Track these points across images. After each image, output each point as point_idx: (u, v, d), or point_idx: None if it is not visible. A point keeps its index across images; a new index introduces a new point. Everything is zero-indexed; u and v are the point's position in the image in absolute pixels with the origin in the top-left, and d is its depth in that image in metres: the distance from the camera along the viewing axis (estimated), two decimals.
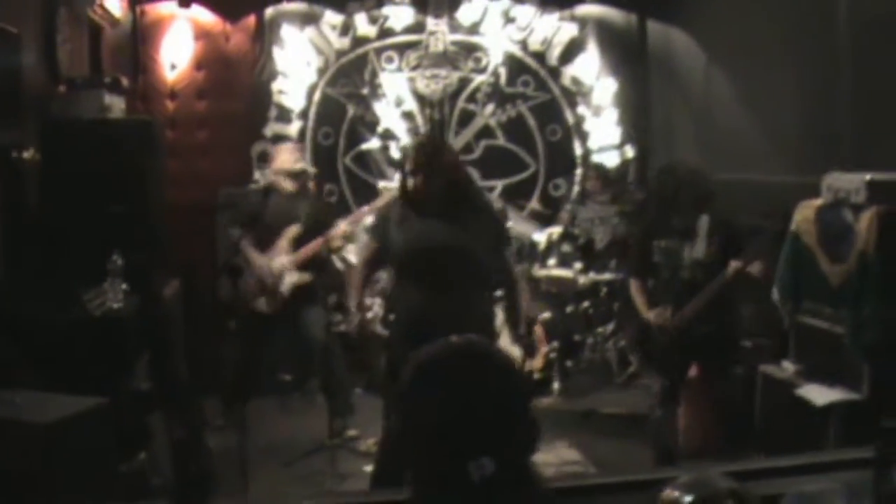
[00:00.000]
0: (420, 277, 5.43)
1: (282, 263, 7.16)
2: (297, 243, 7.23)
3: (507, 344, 6.45)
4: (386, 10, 9.65)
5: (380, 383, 5.90)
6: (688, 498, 2.22)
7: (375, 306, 8.37)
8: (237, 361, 7.58)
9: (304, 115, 9.63)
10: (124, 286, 5.67)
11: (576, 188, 9.81)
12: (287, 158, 7.49)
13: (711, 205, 5.97)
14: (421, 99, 9.74)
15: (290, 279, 7.18)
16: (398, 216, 5.58)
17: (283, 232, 7.23)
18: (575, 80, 9.89)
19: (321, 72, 9.63)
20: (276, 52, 9.49)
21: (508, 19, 9.81)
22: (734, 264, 5.72)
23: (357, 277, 6.02)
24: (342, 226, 7.23)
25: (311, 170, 7.92)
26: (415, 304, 5.43)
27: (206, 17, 9.31)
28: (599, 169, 9.31)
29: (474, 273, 5.45)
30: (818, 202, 6.01)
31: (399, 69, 9.71)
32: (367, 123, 9.65)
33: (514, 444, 2.12)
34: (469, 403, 2.09)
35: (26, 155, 5.90)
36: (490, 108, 9.81)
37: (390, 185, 7.82)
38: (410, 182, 5.49)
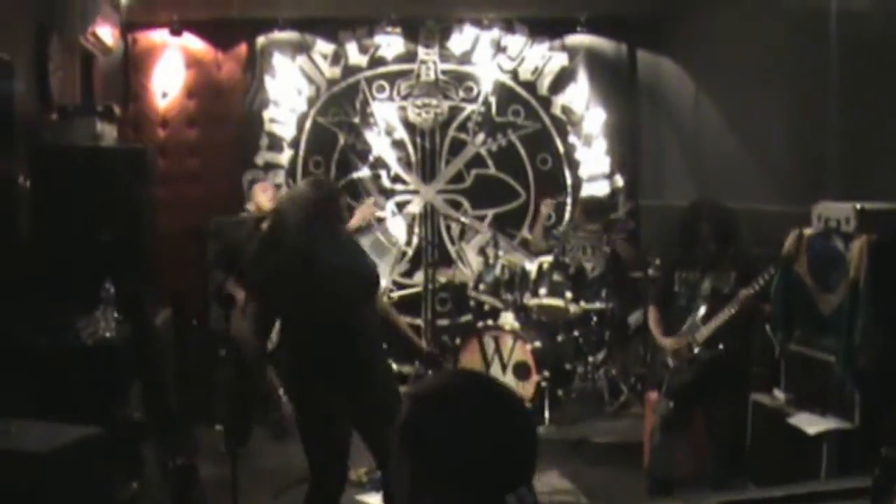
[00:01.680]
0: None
1: None
2: None
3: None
4: (377, 39, 9.71)
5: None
6: None
7: None
8: (237, 400, 7.66)
9: (295, 143, 9.66)
10: (116, 314, 5.66)
11: (566, 217, 9.83)
12: (261, 198, 7.57)
13: (735, 237, 6.03)
14: (412, 128, 9.79)
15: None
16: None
17: None
18: (565, 110, 9.94)
19: (312, 100, 9.67)
20: (268, 81, 9.53)
21: (499, 49, 9.86)
22: (744, 292, 5.74)
23: None
24: None
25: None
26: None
27: (197, 45, 9.36)
28: (587, 201, 9.27)
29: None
30: (808, 231, 6.03)
31: (390, 98, 9.76)
32: (359, 152, 9.68)
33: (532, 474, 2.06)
34: (499, 433, 2.02)
35: (20, 183, 5.89)
36: (481, 137, 9.86)
37: None
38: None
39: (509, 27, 9.86)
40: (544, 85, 9.94)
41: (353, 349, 4.99)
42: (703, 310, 5.94)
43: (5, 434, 4.10)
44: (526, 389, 8.11)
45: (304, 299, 4.97)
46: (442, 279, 9.53)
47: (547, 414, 8.07)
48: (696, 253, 6.04)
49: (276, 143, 9.61)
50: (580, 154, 9.98)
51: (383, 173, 9.72)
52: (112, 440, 4.61)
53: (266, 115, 9.57)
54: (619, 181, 10.03)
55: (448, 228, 9.94)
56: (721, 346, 5.87)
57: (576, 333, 8.65)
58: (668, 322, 6.17)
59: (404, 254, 9.81)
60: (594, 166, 9.98)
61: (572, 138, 9.97)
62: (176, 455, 5.95)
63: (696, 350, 5.91)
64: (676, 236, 6.33)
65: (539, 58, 9.92)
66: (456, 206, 9.88)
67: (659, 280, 6.56)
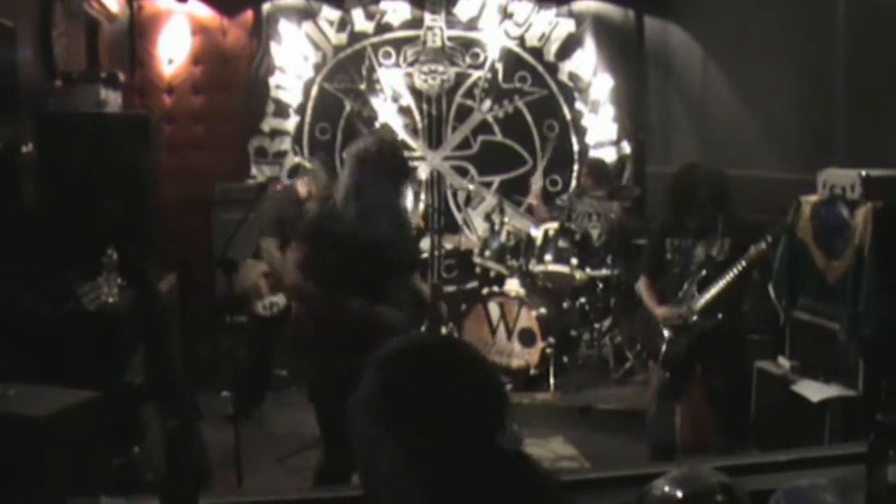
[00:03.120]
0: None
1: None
2: None
3: None
4: (383, 5, 9.65)
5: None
6: (678, 492, 2.21)
7: None
8: (247, 366, 7.81)
9: (301, 110, 9.62)
10: (119, 280, 5.66)
11: (573, 183, 9.81)
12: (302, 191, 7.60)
13: (728, 204, 5.98)
14: (418, 94, 9.74)
15: None
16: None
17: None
18: (572, 76, 9.89)
19: (318, 67, 9.63)
20: (274, 48, 9.48)
21: (506, 15, 9.80)
22: (755, 246, 5.70)
23: None
24: None
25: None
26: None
27: (203, 11, 9.30)
28: (595, 165, 9.30)
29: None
30: (814, 198, 6.01)
31: (396, 64, 9.71)
32: (365, 119, 9.64)
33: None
34: (475, 379, 1.93)
35: (24, 150, 5.89)
36: (487, 103, 9.82)
37: None
38: None
39: None
40: (551, 51, 9.89)
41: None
42: (697, 276, 5.91)
43: (4, 398, 4.11)
44: (531, 356, 8.13)
45: (346, 265, 4.92)
46: (448, 245, 9.52)
47: (552, 380, 8.06)
48: (688, 219, 5.99)
49: (282, 110, 9.58)
50: (587, 121, 9.93)
51: None
52: (113, 405, 4.60)
53: (272, 81, 9.53)
54: (626, 148, 9.98)
55: (454, 195, 9.93)
56: (719, 315, 5.86)
57: (582, 300, 8.64)
58: (662, 291, 6.13)
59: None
60: (601, 133, 9.94)
61: (579, 105, 9.92)
62: (177, 418, 5.97)
63: (691, 318, 5.88)
64: (669, 200, 6.28)
65: (546, 24, 9.85)
66: (462, 172, 9.85)
67: (649, 248, 6.48)
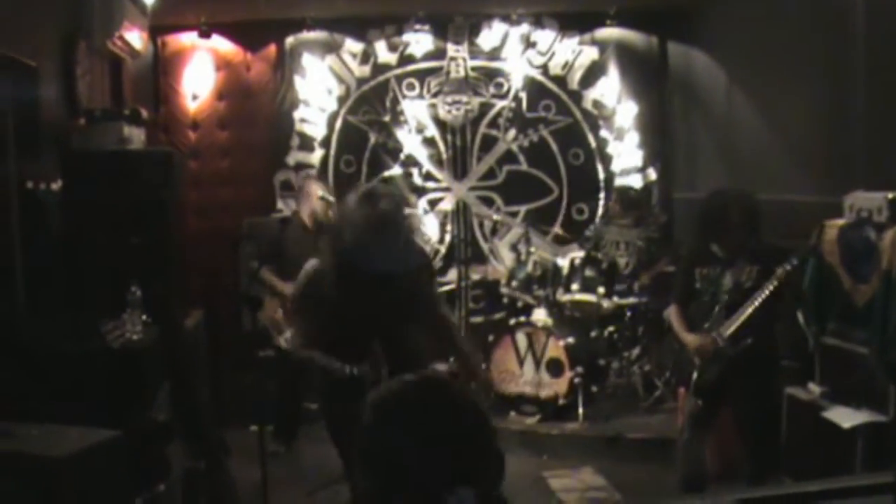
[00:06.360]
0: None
1: None
2: None
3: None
4: (406, 36, 9.68)
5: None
6: None
7: None
8: (281, 398, 7.89)
9: (326, 143, 9.66)
10: (144, 317, 5.66)
11: (599, 212, 9.78)
12: (318, 206, 7.65)
13: (759, 227, 5.89)
14: (442, 125, 9.76)
15: None
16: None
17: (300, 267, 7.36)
18: (596, 104, 9.88)
19: (342, 100, 9.67)
20: (298, 81, 9.53)
21: (529, 44, 9.81)
22: (781, 269, 5.61)
23: None
24: None
25: (331, 199, 7.95)
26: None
27: (226, 46, 9.37)
28: (622, 192, 9.25)
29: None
30: (840, 222, 5.95)
31: (420, 96, 9.74)
32: (390, 150, 9.67)
33: (486, 476, 2.10)
34: (435, 435, 2.07)
35: (54, 187, 5.92)
36: (512, 132, 9.82)
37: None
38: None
39: (538, 22, 9.79)
40: (575, 79, 9.88)
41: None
42: (726, 303, 5.84)
43: (26, 438, 4.11)
44: (559, 386, 8.07)
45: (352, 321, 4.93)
46: (475, 276, 9.51)
47: (581, 410, 8.00)
48: (718, 246, 5.91)
49: (307, 143, 9.62)
50: (612, 148, 9.92)
51: (415, 171, 9.70)
52: (138, 443, 4.62)
53: (296, 115, 9.58)
54: (652, 174, 9.94)
55: (480, 225, 9.91)
56: (749, 340, 5.77)
57: (610, 329, 8.59)
58: (691, 319, 6.06)
59: (437, 251, 9.77)
60: (627, 160, 9.92)
61: (604, 132, 9.91)
62: (200, 456, 5.95)
63: (721, 345, 5.81)
64: (700, 225, 6.20)
65: (569, 52, 9.86)
66: (488, 202, 9.84)
67: (678, 277, 6.42)
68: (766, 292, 5.66)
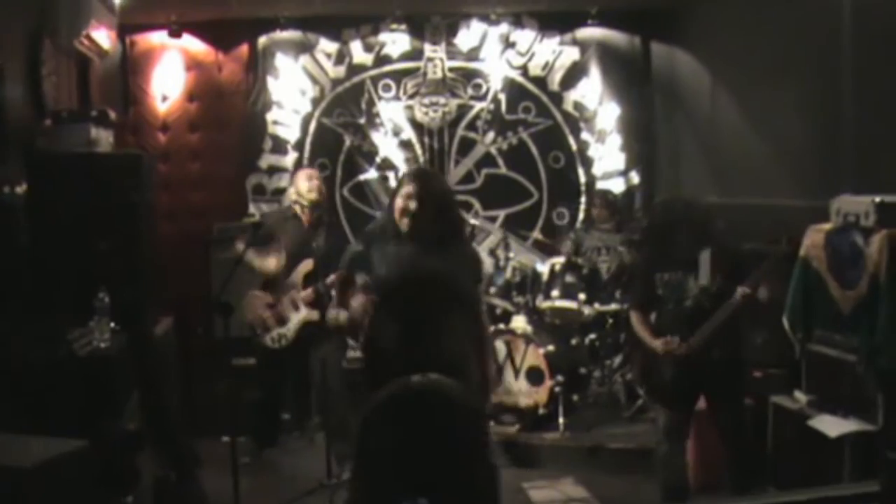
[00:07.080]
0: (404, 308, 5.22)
1: (292, 300, 7.36)
2: (308, 279, 7.40)
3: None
4: (382, 36, 9.55)
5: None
6: None
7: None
8: (258, 402, 7.77)
9: (299, 145, 9.53)
10: (112, 325, 5.53)
11: (580, 216, 9.66)
12: (302, 186, 7.53)
13: (712, 238, 5.82)
14: (419, 127, 9.63)
15: (300, 317, 7.39)
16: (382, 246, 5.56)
17: (297, 265, 7.44)
18: (577, 106, 9.76)
19: (316, 101, 9.53)
20: (270, 82, 9.40)
21: (508, 44, 9.68)
22: (741, 290, 5.56)
23: None
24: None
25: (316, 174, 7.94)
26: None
27: (197, 46, 9.24)
28: (606, 196, 9.13)
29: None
30: (827, 226, 5.86)
31: (396, 97, 9.61)
32: (365, 153, 9.54)
33: (470, 487, 2.09)
34: (414, 443, 2.09)
35: (19, 190, 5.77)
36: (490, 135, 9.69)
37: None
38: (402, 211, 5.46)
39: (518, 21, 9.66)
40: (555, 80, 9.76)
41: None
42: (692, 308, 5.75)
43: None
44: (539, 395, 7.93)
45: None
46: None
47: (561, 420, 7.86)
48: (675, 253, 5.84)
49: (279, 146, 9.48)
50: (594, 151, 9.80)
51: (391, 175, 9.55)
52: (105, 453, 4.58)
53: (269, 117, 9.44)
54: (635, 178, 9.83)
55: None
56: (718, 349, 5.69)
57: (591, 336, 8.45)
58: (657, 326, 5.96)
59: None
60: (608, 163, 9.80)
61: (585, 135, 9.79)
62: (169, 466, 5.87)
63: (689, 352, 5.71)
64: (651, 237, 6.16)
65: (549, 52, 9.73)
66: (466, 207, 9.68)
67: (637, 283, 6.34)
68: (725, 315, 5.61)
